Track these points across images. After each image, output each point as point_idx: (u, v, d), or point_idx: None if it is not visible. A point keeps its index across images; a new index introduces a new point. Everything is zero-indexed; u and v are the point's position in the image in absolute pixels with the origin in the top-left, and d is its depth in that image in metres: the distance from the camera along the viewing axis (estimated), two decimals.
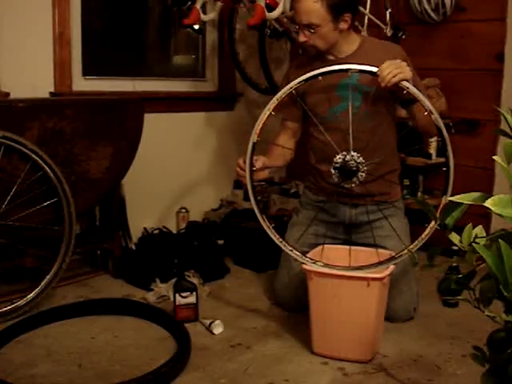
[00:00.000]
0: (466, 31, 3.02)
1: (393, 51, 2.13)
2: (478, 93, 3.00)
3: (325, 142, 2.22)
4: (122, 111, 2.59)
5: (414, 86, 1.95)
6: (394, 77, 1.89)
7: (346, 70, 1.96)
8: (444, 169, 1.90)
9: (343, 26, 2.10)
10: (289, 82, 2.02)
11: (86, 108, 2.47)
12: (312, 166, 2.36)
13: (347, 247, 2.15)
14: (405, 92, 1.94)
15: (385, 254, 2.07)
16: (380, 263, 1.99)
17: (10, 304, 2.22)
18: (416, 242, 1.94)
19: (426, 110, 1.88)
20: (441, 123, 1.88)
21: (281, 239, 2.06)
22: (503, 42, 2.88)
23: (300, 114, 2.33)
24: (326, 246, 2.16)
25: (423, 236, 1.92)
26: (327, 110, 2.21)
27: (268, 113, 2.00)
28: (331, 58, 2.20)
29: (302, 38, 2.12)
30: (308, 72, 1.98)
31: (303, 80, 1.97)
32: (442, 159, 3.00)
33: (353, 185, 2.02)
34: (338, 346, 1.97)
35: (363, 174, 1.99)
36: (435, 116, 1.88)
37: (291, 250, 2.05)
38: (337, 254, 2.15)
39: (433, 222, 1.86)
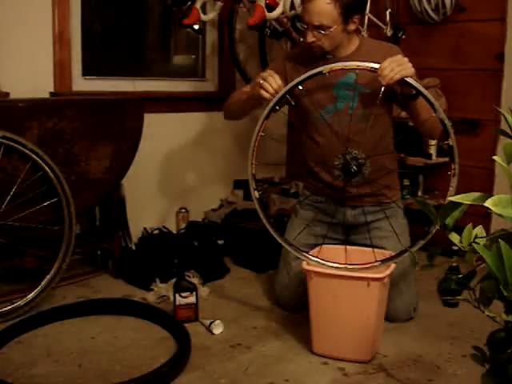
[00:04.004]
0: (466, 31, 3.02)
1: (391, 52, 2.11)
2: (478, 93, 3.00)
3: (318, 142, 2.21)
4: (122, 111, 2.59)
5: None
6: (396, 74, 1.86)
7: (350, 68, 1.95)
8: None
9: (351, 27, 2.09)
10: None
11: (86, 108, 2.47)
12: (308, 167, 2.34)
13: (348, 247, 2.15)
14: (413, 92, 1.93)
15: (385, 253, 2.07)
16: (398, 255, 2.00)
17: (9, 304, 2.22)
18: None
19: (430, 105, 1.86)
20: (444, 115, 1.87)
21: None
22: (503, 42, 2.88)
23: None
24: (324, 246, 2.16)
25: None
26: (321, 110, 2.19)
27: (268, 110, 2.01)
28: (329, 56, 2.16)
29: (309, 39, 2.07)
30: (308, 70, 1.96)
31: (308, 77, 1.95)
32: (442, 159, 3.03)
33: (353, 181, 2.02)
34: (338, 346, 1.97)
35: (367, 171, 1.99)
36: (438, 108, 1.87)
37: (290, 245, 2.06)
38: (335, 254, 2.14)
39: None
